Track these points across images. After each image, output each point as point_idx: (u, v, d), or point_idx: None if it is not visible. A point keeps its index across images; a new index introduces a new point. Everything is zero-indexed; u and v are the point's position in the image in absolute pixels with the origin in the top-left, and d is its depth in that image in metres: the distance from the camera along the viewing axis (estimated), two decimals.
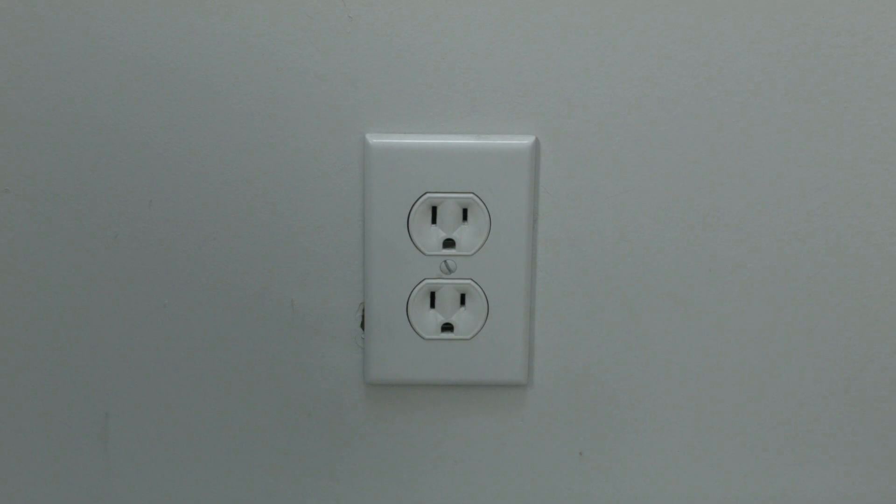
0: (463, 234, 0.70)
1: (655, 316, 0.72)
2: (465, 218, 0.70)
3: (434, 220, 0.70)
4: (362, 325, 0.72)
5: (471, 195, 0.70)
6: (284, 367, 0.73)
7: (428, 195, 0.70)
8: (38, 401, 0.73)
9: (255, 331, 0.72)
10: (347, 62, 0.68)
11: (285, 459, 0.75)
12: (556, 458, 0.75)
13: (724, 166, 0.70)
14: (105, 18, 0.67)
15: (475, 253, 0.70)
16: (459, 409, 0.74)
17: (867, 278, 0.72)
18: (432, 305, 0.72)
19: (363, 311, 0.72)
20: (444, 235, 0.70)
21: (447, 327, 0.72)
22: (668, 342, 0.73)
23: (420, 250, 0.70)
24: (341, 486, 0.75)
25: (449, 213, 0.70)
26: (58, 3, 0.67)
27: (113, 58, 0.68)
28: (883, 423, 0.74)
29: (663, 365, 0.73)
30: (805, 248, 0.71)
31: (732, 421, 0.74)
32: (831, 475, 0.75)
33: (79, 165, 0.69)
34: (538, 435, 0.75)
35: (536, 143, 0.69)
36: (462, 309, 0.72)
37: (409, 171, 0.69)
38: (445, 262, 0.71)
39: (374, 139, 0.69)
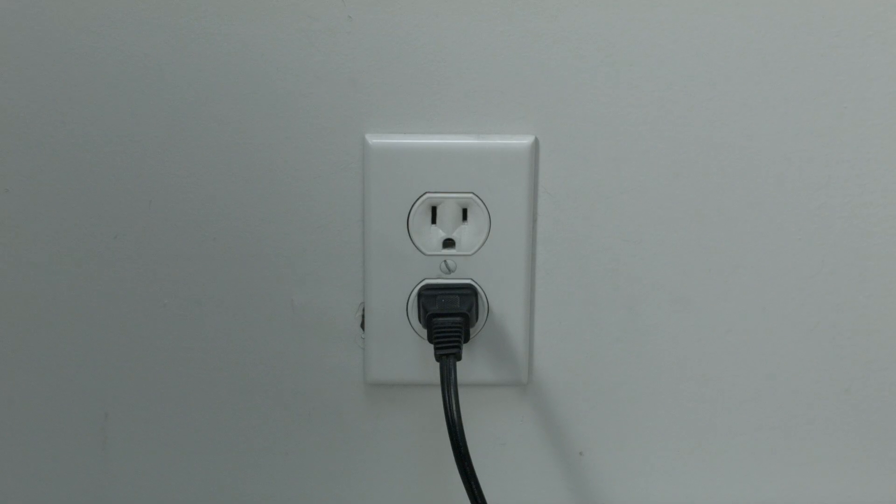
0: (463, 234, 0.70)
1: (655, 316, 0.72)
2: (464, 218, 0.70)
3: (434, 220, 0.70)
4: (362, 325, 0.72)
5: (471, 195, 0.69)
6: (284, 367, 0.73)
7: (428, 195, 0.69)
8: (38, 401, 0.73)
9: (255, 331, 0.72)
10: (347, 62, 0.68)
11: (285, 459, 0.75)
12: (556, 458, 0.75)
13: (724, 166, 0.70)
14: (105, 19, 0.67)
15: (475, 253, 0.70)
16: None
17: (867, 278, 0.72)
18: None
19: (363, 311, 0.72)
20: (443, 235, 0.70)
21: None
22: (668, 342, 0.73)
23: (420, 250, 0.70)
24: (341, 486, 0.75)
25: (449, 213, 0.70)
26: (58, 3, 0.67)
27: (113, 58, 0.68)
28: (883, 423, 0.74)
29: (663, 365, 0.73)
30: (805, 248, 0.71)
31: (732, 421, 0.74)
32: (831, 475, 0.75)
33: (79, 165, 0.69)
34: (538, 435, 0.75)
35: (536, 143, 0.69)
36: None
37: (408, 171, 0.69)
38: (445, 261, 0.71)
39: (374, 139, 0.69)
